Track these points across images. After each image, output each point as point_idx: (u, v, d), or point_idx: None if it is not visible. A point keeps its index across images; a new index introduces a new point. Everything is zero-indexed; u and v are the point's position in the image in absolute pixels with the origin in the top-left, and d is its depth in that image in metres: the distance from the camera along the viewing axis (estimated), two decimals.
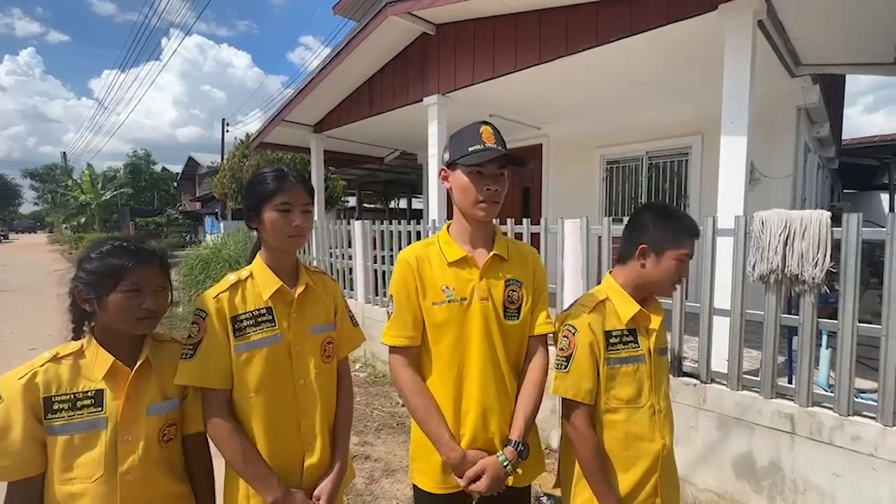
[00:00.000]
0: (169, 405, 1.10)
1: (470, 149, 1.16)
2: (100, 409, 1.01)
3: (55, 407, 0.98)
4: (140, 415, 1.05)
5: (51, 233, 40.56)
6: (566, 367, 1.21)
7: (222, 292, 1.17)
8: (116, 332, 1.06)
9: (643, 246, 1.22)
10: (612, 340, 1.22)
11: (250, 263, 1.26)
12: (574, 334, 1.22)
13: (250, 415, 1.16)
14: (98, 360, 1.04)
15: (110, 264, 1.03)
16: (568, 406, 1.24)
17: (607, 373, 1.22)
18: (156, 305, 1.07)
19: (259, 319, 1.17)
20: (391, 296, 1.25)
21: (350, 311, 1.41)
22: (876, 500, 1.99)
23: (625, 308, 1.23)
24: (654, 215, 1.25)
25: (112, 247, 1.05)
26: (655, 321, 1.24)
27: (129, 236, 1.10)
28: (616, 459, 1.22)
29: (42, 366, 1.01)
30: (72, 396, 1.00)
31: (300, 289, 1.23)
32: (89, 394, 1.01)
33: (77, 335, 1.09)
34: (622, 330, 1.23)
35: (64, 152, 48.01)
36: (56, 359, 1.03)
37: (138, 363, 1.06)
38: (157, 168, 42.95)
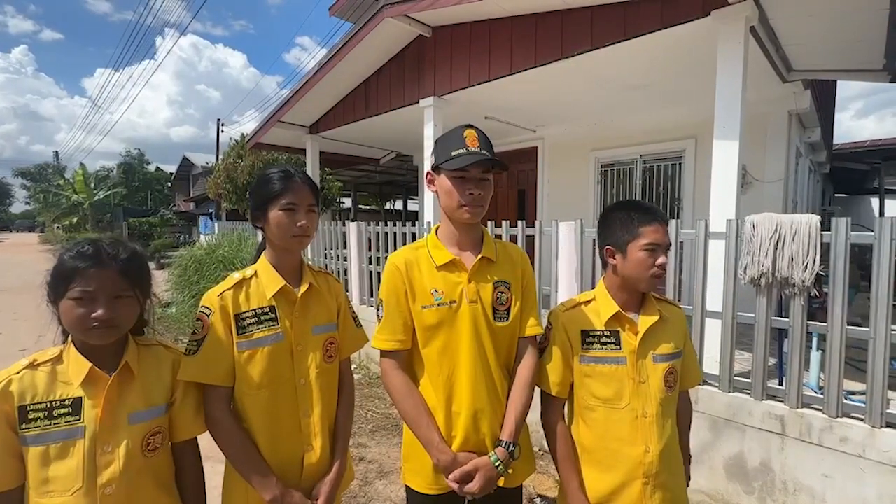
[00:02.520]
0: (153, 412, 1.05)
1: (453, 153, 1.17)
2: (77, 417, 0.96)
3: (30, 416, 0.94)
4: (121, 423, 1.00)
5: (42, 232, 40.20)
6: (540, 358, 1.30)
7: (227, 290, 1.19)
8: None
9: (608, 248, 1.26)
10: (588, 340, 1.25)
11: (255, 263, 1.28)
12: (550, 330, 1.31)
13: (251, 412, 1.17)
14: (75, 367, 0.98)
15: (64, 267, 0.96)
16: (542, 396, 1.31)
17: (582, 370, 1.25)
18: (110, 314, 0.96)
19: (262, 318, 1.19)
20: (381, 300, 1.26)
21: (354, 311, 1.42)
22: (864, 500, 2.01)
23: (605, 309, 1.26)
24: (610, 214, 1.29)
25: (74, 249, 0.99)
26: (644, 324, 1.23)
27: (100, 237, 1.03)
28: (596, 458, 1.24)
29: (18, 373, 0.96)
30: (48, 405, 0.95)
31: (303, 288, 1.24)
32: (66, 402, 0.96)
33: (66, 337, 1.04)
34: (602, 331, 1.24)
35: (56, 151, 47.68)
36: (33, 366, 0.98)
37: (117, 369, 1.01)
38: (151, 168, 42.72)
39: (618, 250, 1.24)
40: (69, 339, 1.03)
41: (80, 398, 0.98)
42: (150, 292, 1.10)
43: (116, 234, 1.23)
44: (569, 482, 1.24)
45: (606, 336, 1.24)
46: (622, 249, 1.23)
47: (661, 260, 1.19)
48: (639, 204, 1.27)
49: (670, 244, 1.24)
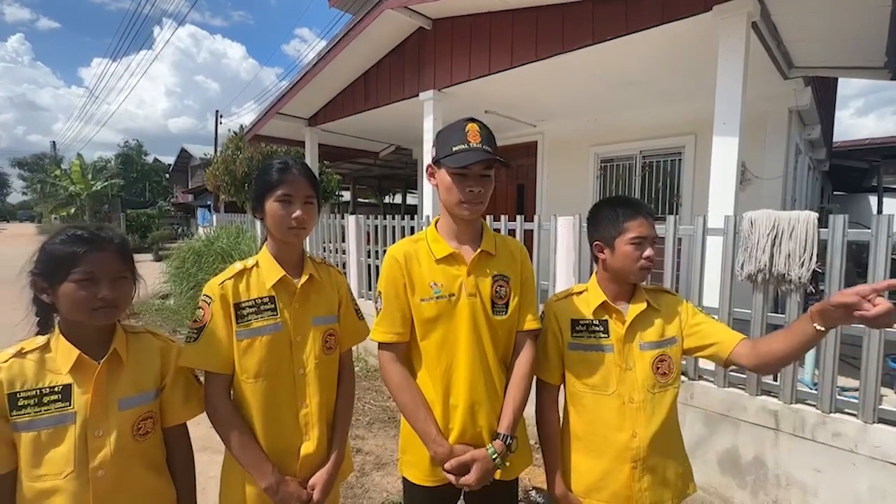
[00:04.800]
0: (143, 398, 1.07)
1: (454, 149, 1.16)
2: (67, 403, 0.98)
3: (20, 403, 0.96)
4: (111, 409, 1.02)
5: (39, 223, 40.04)
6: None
7: (227, 279, 1.20)
8: (80, 324, 1.02)
9: (597, 243, 1.31)
10: (577, 328, 1.30)
11: (258, 253, 1.29)
12: (542, 319, 1.36)
13: (249, 401, 1.18)
14: (64, 354, 1.00)
15: (62, 252, 0.98)
16: (537, 383, 1.35)
17: (571, 357, 1.30)
18: (113, 294, 1.01)
19: (262, 307, 1.20)
20: (379, 292, 1.26)
21: (356, 304, 1.42)
22: (855, 494, 2.04)
23: (594, 299, 1.30)
24: (597, 210, 1.33)
25: (67, 235, 1.01)
26: (631, 313, 1.26)
27: (86, 223, 1.05)
28: (586, 444, 1.28)
29: (5, 361, 0.98)
30: (37, 392, 0.97)
31: (303, 279, 1.25)
32: (56, 388, 0.98)
33: (43, 329, 1.06)
34: (591, 319, 1.29)
35: (53, 141, 47.28)
36: (21, 354, 1.00)
37: (106, 356, 1.03)
38: (149, 159, 42.43)
39: (606, 245, 1.28)
40: (56, 327, 1.04)
41: (70, 385, 1.00)
42: (137, 275, 1.12)
43: (105, 223, 1.25)
44: (551, 470, 1.31)
45: (595, 325, 1.28)
46: (610, 244, 1.27)
47: (647, 252, 1.23)
48: (624, 199, 1.31)
49: (657, 237, 1.26)
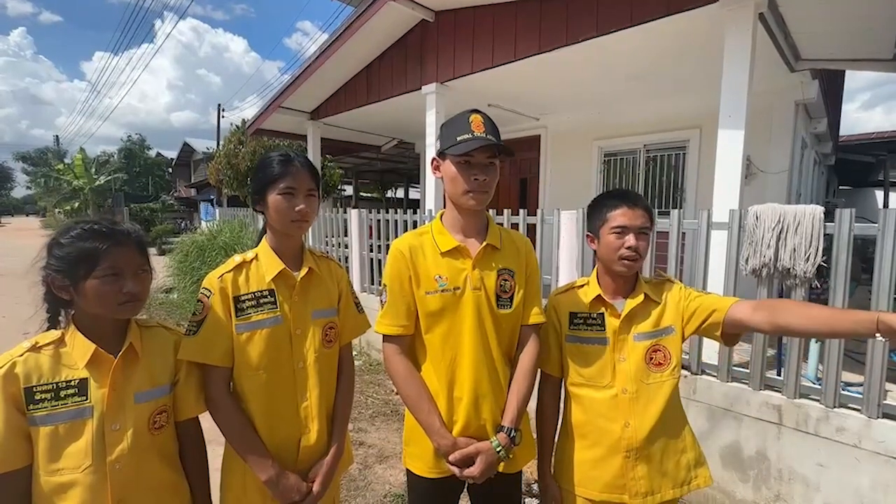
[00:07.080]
0: (158, 392, 1.08)
1: (458, 138, 1.16)
2: (84, 397, 0.98)
3: (37, 397, 0.96)
4: (127, 402, 1.02)
5: (43, 217, 40.26)
6: None
7: (226, 272, 1.20)
8: (97, 319, 1.02)
9: (588, 235, 1.35)
10: (575, 321, 1.32)
11: (257, 247, 1.28)
12: (544, 312, 1.37)
13: (249, 394, 1.19)
14: (80, 349, 1.00)
15: (84, 248, 0.97)
16: (540, 375, 1.39)
17: (569, 349, 1.32)
18: (137, 288, 1.02)
19: (261, 301, 1.19)
20: (384, 285, 1.26)
21: (356, 297, 1.42)
22: (857, 489, 2.04)
23: (591, 293, 1.32)
24: (591, 204, 1.36)
25: (83, 230, 1.00)
26: (627, 306, 1.26)
27: (99, 218, 1.05)
28: (583, 433, 1.29)
29: (21, 356, 0.98)
30: (54, 386, 0.97)
31: (303, 272, 1.25)
32: (72, 383, 0.98)
33: (53, 324, 1.06)
34: (587, 313, 1.30)
35: (56, 135, 47.41)
36: (35, 348, 0.99)
37: (122, 350, 1.03)
38: (152, 153, 42.46)
39: (595, 236, 1.31)
40: (71, 321, 1.04)
41: (86, 379, 1.00)
42: (152, 267, 1.12)
43: (117, 217, 1.24)
44: (542, 459, 1.38)
45: (592, 318, 1.30)
46: (597, 235, 1.30)
47: (629, 242, 1.22)
48: (613, 191, 1.34)
49: (644, 227, 1.25)
